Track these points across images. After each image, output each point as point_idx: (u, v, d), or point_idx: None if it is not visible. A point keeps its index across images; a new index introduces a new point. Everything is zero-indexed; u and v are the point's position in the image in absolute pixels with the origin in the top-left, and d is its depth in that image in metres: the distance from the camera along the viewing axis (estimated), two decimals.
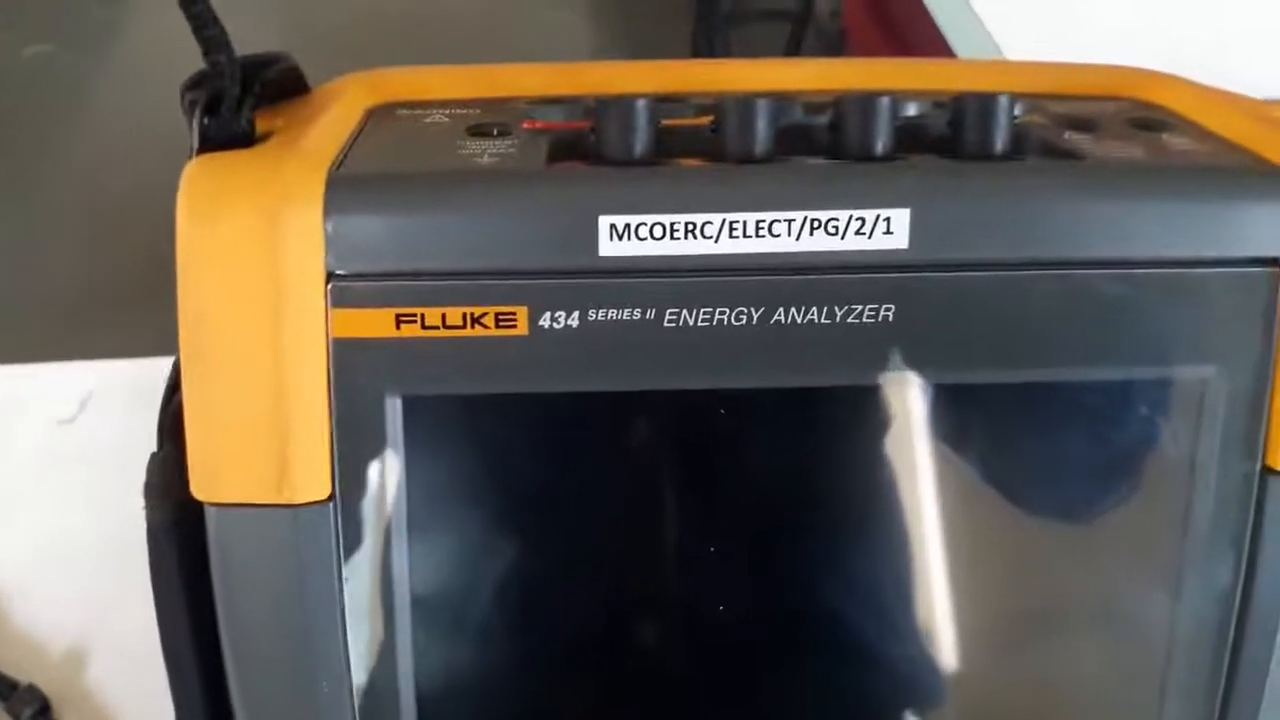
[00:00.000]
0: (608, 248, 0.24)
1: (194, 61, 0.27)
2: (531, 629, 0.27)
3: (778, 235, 0.24)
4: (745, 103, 0.26)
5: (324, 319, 0.24)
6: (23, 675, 0.42)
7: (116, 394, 0.55)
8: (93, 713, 0.42)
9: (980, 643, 0.28)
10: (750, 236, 0.24)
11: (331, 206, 0.24)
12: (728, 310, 0.25)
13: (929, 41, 0.92)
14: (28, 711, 0.41)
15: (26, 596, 0.46)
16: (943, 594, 0.28)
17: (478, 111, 0.29)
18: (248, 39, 0.27)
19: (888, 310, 0.25)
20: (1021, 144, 0.27)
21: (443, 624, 0.26)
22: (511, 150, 0.26)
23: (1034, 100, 0.30)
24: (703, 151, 0.26)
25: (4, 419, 0.54)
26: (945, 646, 0.28)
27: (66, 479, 0.51)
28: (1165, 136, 0.28)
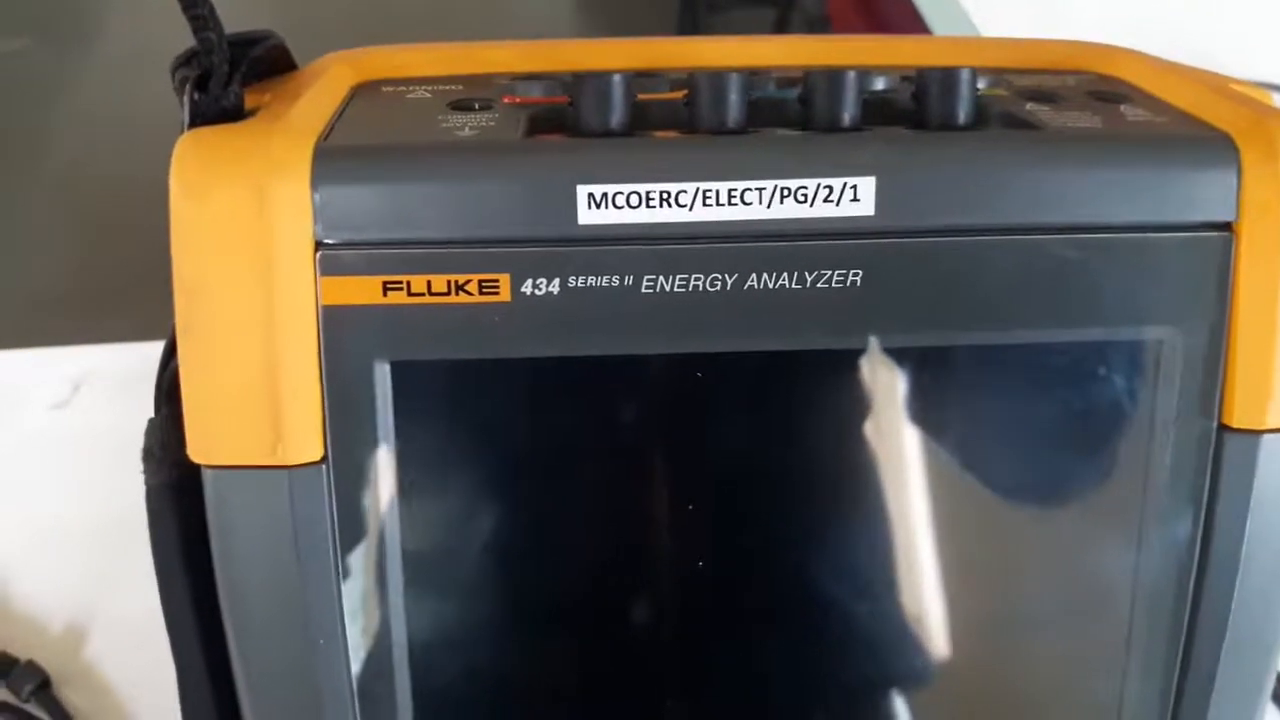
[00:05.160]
0: (586, 216, 0.25)
1: (173, 52, 0.27)
2: (519, 586, 0.28)
3: (749, 203, 0.25)
4: (717, 77, 0.26)
5: (313, 287, 0.25)
6: (22, 652, 0.43)
7: (108, 378, 0.56)
8: (92, 689, 0.43)
9: (948, 601, 0.29)
10: (723, 204, 0.25)
11: (319, 177, 0.25)
12: (702, 276, 0.26)
13: (911, 27, 0.93)
14: (28, 687, 0.42)
15: (24, 576, 0.46)
16: (910, 553, 0.29)
17: (460, 87, 0.30)
18: (236, 18, 0.28)
19: (856, 275, 0.26)
20: (984, 115, 0.28)
21: (434, 580, 0.27)
22: (492, 124, 0.27)
23: (998, 74, 0.31)
24: (677, 124, 0.27)
25: None
26: (913, 605, 0.29)
27: (61, 462, 0.51)
28: (1123, 108, 0.29)
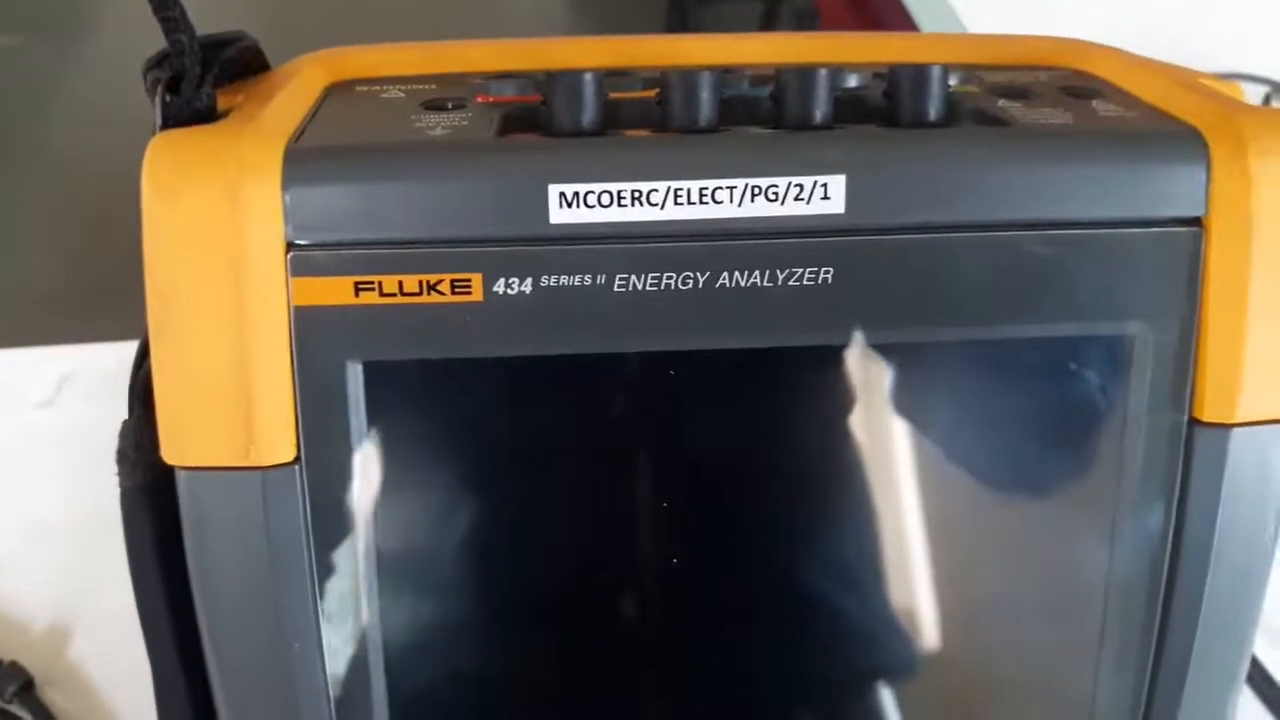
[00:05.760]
0: (558, 215, 0.25)
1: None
2: (493, 585, 0.28)
3: (720, 202, 0.25)
4: (689, 75, 0.26)
5: (285, 288, 0.25)
6: (5, 654, 0.43)
7: (93, 377, 0.56)
8: (75, 690, 0.43)
9: (924, 594, 0.29)
10: (694, 203, 0.25)
11: (289, 179, 0.25)
12: (674, 275, 0.26)
13: (898, 18, 0.93)
14: (10, 688, 0.42)
15: (7, 576, 0.46)
16: (886, 547, 0.29)
17: (433, 87, 0.30)
18: (210, 19, 0.28)
19: (827, 273, 0.26)
20: (955, 112, 0.28)
21: (408, 581, 0.27)
22: (465, 123, 0.27)
23: (971, 71, 0.31)
24: (649, 122, 0.27)
25: None
26: (888, 598, 0.29)
27: (45, 461, 0.51)
28: (1095, 103, 0.29)
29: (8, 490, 0.50)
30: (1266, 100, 0.78)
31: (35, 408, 0.54)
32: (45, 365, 0.56)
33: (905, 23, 0.91)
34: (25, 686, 0.42)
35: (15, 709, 0.42)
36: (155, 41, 0.27)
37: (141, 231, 0.25)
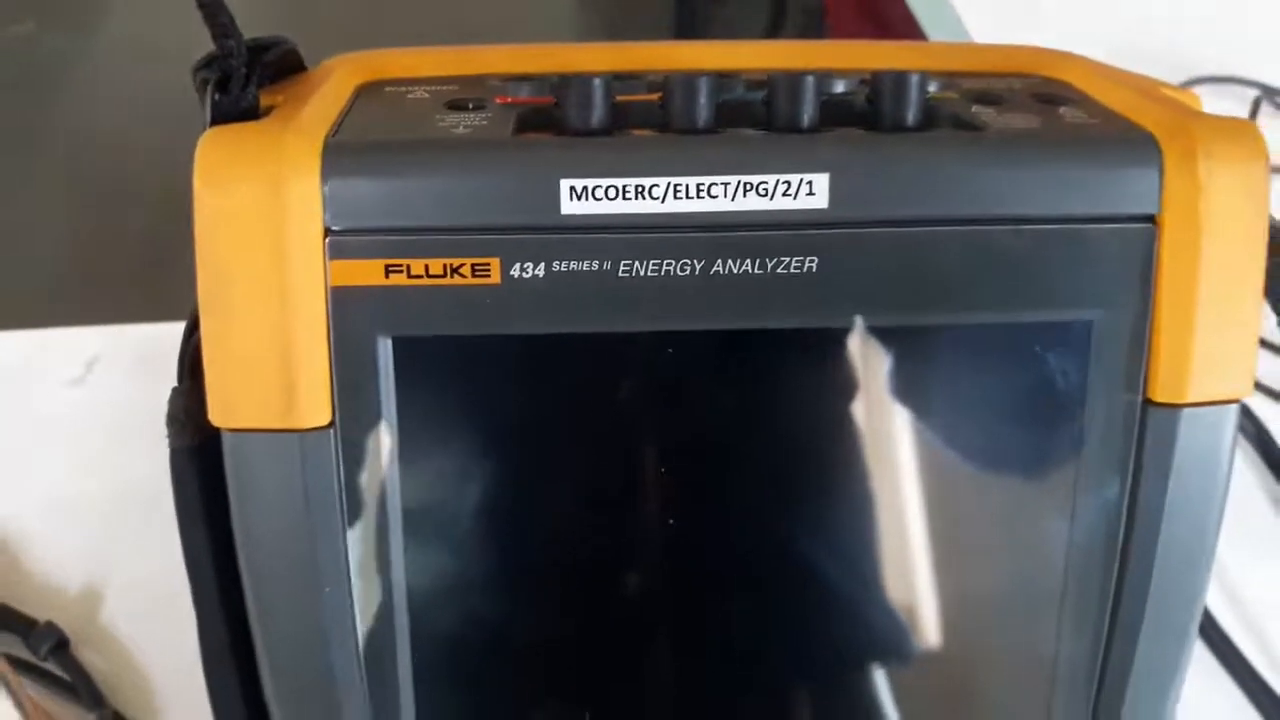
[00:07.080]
0: (569, 207, 0.27)
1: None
2: (506, 541, 0.30)
3: (716, 196, 0.28)
4: (689, 81, 0.29)
5: (323, 269, 0.27)
6: (40, 614, 0.44)
7: (121, 357, 0.57)
8: (109, 649, 0.44)
9: (894, 567, 0.31)
10: (692, 197, 0.28)
11: (328, 172, 0.27)
12: (673, 262, 0.28)
13: (903, 22, 0.95)
14: (46, 646, 0.43)
15: (41, 546, 0.48)
16: (860, 516, 0.31)
17: (455, 88, 0.32)
18: (253, 24, 0.30)
19: (811, 261, 0.28)
20: (932, 116, 0.30)
21: (430, 535, 0.30)
22: (484, 123, 0.29)
23: (950, 78, 0.34)
24: (652, 123, 0.30)
25: (16, 381, 0.56)
26: (863, 564, 0.31)
27: (76, 436, 0.53)
28: (1062, 109, 0.31)
29: (41, 464, 0.52)
30: (1256, 104, 0.79)
31: (66, 386, 0.56)
32: (74, 345, 0.58)
33: (908, 19, 0.93)
34: (60, 645, 0.44)
35: (50, 666, 0.43)
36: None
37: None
